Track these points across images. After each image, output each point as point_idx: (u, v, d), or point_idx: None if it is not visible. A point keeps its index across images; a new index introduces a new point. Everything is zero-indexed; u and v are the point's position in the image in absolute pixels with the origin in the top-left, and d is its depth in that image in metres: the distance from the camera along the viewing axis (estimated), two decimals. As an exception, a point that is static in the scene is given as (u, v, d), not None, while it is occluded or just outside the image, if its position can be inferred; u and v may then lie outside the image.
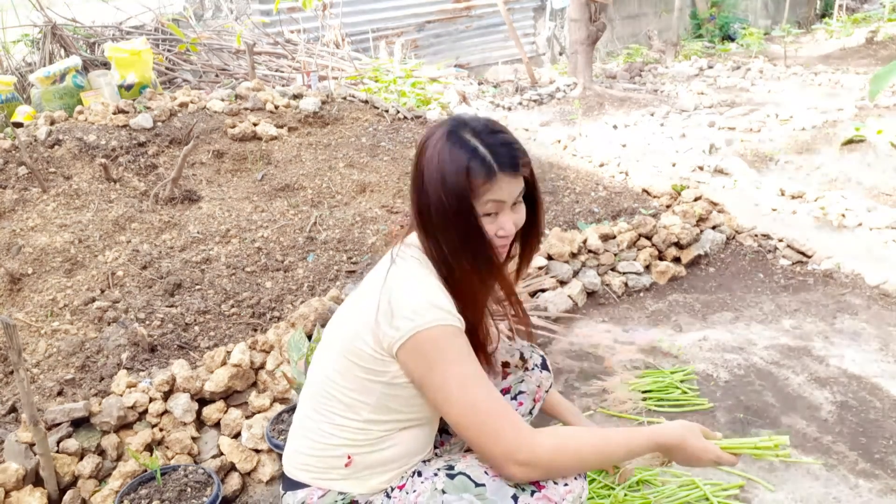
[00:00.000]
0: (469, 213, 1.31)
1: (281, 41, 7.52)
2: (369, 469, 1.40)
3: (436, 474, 1.37)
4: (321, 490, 1.41)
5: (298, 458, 1.44)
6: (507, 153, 1.33)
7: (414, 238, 1.42)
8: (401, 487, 1.40)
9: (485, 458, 1.33)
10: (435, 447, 1.57)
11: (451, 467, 1.37)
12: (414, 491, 1.37)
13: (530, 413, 1.75)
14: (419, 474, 1.40)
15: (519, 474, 1.29)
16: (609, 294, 3.36)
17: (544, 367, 1.76)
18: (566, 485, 1.34)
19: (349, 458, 1.38)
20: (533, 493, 1.31)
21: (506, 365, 1.71)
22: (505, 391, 1.70)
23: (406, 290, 1.30)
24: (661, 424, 1.43)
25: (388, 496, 1.40)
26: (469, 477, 1.33)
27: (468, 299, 1.36)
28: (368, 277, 1.43)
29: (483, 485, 1.32)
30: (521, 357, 1.72)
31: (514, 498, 1.30)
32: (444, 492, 1.33)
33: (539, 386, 1.73)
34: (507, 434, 1.27)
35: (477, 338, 1.41)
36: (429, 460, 1.46)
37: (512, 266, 1.54)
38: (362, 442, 1.38)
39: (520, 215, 1.40)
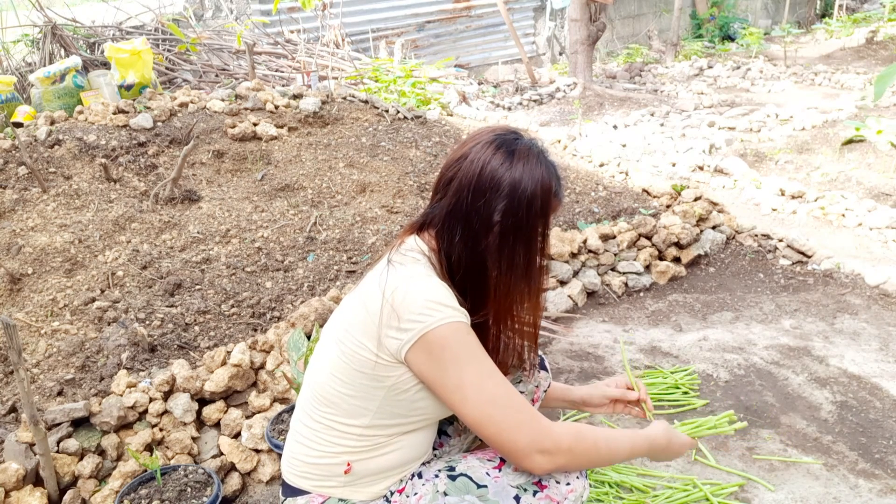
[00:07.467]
0: (546, 228, 1.39)
1: (281, 41, 7.52)
2: (370, 475, 1.38)
3: (437, 476, 1.36)
4: (321, 497, 1.39)
5: (297, 465, 1.42)
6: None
7: (412, 243, 1.38)
8: (400, 491, 1.38)
9: (507, 452, 1.30)
10: (433, 448, 1.56)
11: (452, 468, 1.36)
12: (415, 493, 1.35)
13: None
14: (419, 476, 1.39)
15: (544, 463, 1.29)
16: (609, 294, 3.36)
17: (542, 366, 1.75)
18: (568, 484, 1.34)
19: (349, 465, 1.37)
20: (535, 493, 1.31)
21: (503, 365, 1.70)
22: None
23: (409, 291, 1.27)
24: (651, 426, 1.52)
25: (388, 501, 1.39)
26: (471, 478, 1.32)
27: (500, 307, 1.39)
28: (365, 282, 1.40)
29: (485, 486, 1.31)
30: (519, 357, 1.72)
31: (517, 499, 1.30)
32: (445, 494, 1.32)
33: (538, 386, 1.73)
34: (529, 424, 1.27)
35: (487, 341, 1.40)
36: (428, 462, 1.45)
37: None
38: (362, 448, 1.36)
39: None
